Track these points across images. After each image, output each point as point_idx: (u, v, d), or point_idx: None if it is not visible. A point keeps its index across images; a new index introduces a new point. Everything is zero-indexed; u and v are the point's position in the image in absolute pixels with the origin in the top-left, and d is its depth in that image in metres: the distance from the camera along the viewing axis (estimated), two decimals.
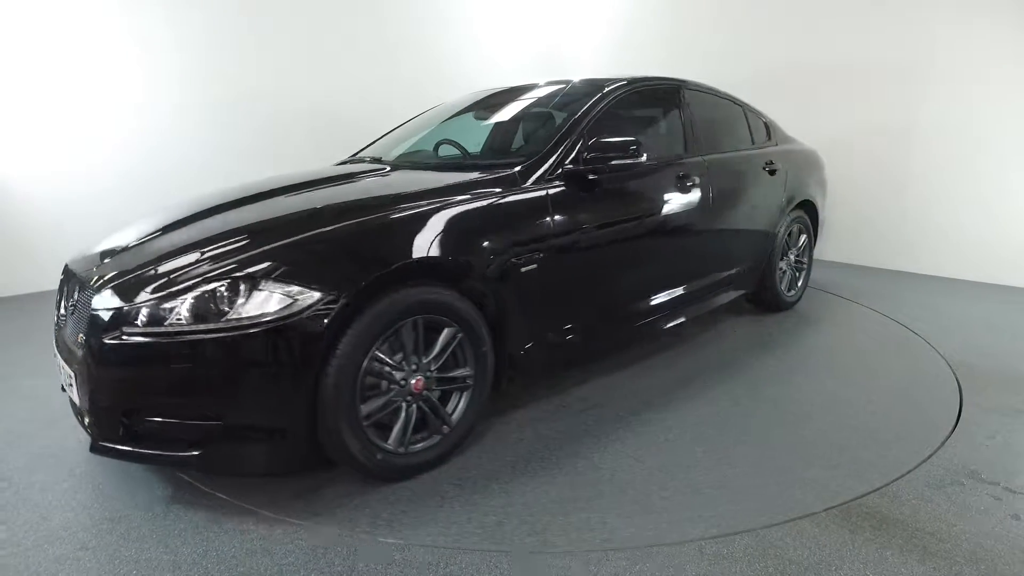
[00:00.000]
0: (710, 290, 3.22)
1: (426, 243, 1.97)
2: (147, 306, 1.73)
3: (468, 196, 2.19)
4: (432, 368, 2.00)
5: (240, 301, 1.71)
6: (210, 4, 5.05)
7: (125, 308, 1.75)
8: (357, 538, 1.74)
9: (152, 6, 4.80)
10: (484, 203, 2.19)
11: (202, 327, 1.68)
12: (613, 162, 2.43)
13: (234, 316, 1.69)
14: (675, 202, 2.88)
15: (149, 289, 1.77)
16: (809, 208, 3.91)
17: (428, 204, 2.08)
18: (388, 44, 6.00)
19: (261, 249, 1.82)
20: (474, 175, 2.37)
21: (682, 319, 3.01)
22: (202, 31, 5.05)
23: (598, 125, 2.62)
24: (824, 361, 3.07)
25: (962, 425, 2.36)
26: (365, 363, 1.82)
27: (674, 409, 2.52)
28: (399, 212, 2.03)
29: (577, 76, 3.14)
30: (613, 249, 2.58)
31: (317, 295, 1.73)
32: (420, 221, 2.01)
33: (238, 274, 1.74)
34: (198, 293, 1.71)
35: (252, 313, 1.69)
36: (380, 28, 5.97)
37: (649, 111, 3.22)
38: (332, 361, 1.76)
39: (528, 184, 2.32)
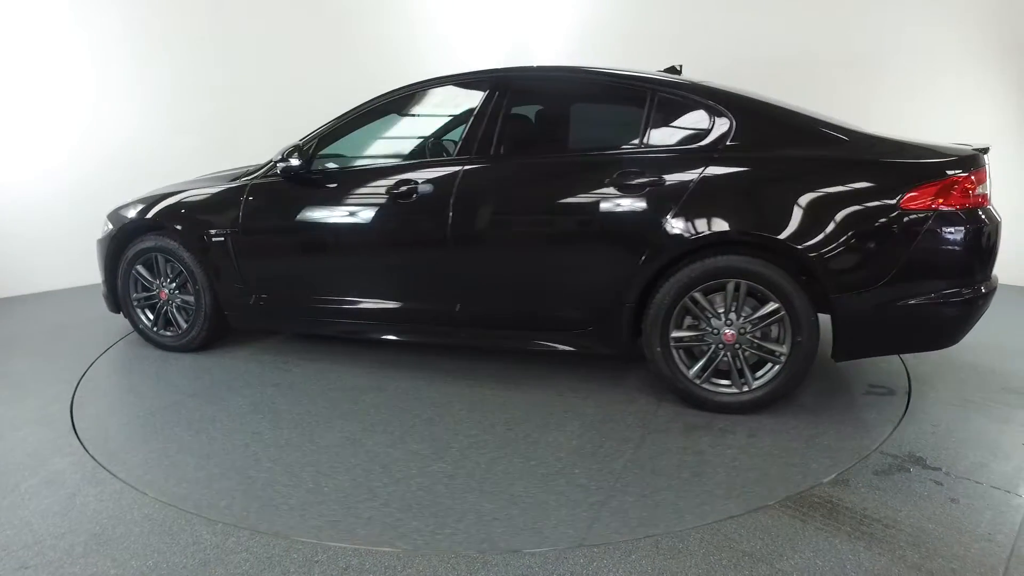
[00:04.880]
0: (444, 319, 2.74)
1: (158, 211, 3.20)
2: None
3: (212, 185, 3.20)
4: (172, 288, 3.23)
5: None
6: (166, 2, 4.92)
7: None
8: (313, 544, 1.71)
9: (106, 5, 4.65)
10: (206, 190, 3.18)
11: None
12: (279, 166, 2.88)
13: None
14: (374, 209, 2.78)
15: None
16: (793, 256, 2.28)
17: (189, 187, 3.26)
18: (351, 43, 5.94)
19: (128, 202, 3.37)
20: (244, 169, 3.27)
21: (403, 336, 2.85)
22: (158, 29, 4.92)
23: (351, 132, 3.01)
24: None
25: (911, 413, 2.44)
26: (132, 272, 3.26)
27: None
28: (173, 191, 3.27)
29: None
30: (295, 243, 3.04)
31: (111, 227, 3.32)
32: (169, 197, 3.24)
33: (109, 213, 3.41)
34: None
35: (105, 231, 3.36)
36: (343, 27, 5.90)
37: (431, 113, 3.11)
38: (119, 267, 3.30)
39: (242, 180, 3.08)
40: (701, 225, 2.35)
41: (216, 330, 3.21)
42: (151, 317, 3.30)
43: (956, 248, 2.25)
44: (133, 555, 1.68)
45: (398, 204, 2.71)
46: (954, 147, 2.34)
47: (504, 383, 2.79)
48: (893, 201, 2.22)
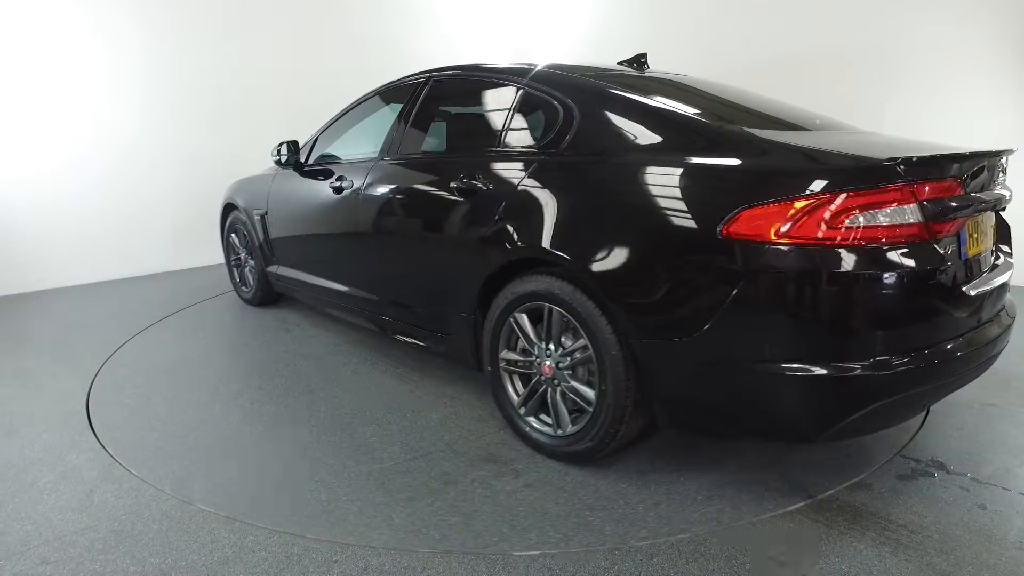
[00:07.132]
0: (373, 308, 2.89)
1: (237, 192, 3.99)
2: None
3: (271, 171, 3.71)
4: (247, 254, 4.01)
5: None
6: (177, 2, 4.94)
7: None
8: (332, 544, 1.70)
9: (116, 4, 4.66)
10: (264, 176, 3.76)
11: None
12: (272, 158, 3.48)
13: None
14: (325, 201, 3.08)
15: None
16: (590, 286, 1.86)
17: (265, 173, 3.83)
18: (356, 41, 5.93)
19: (234, 182, 4.16)
20: None
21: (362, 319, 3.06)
22: (169, 29, 4.93)
23: (339, 130, 3.31)
24: None
25: (932, 418, 2.41)
26: (228, 240, 4.20)
27: None
28: (257, 175, 3.94)
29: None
30: (286, 225, 3.47)
31: (222, 202, 4.18)
32: (251, 181, 3.94)
33: None
34: None
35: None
36: (349, 26, 5.90)
37: (392, 113, 3.13)
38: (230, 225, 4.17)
39: (278, 168, 3.54)
40: (510, 239, 2.08)
41: (268, 291, 3.90)
42: (238, 276, 4.16)
43: (815, 301, 1.54)
44: (152, 552, 1.68)
45: (336, 199, 2.98)
46: (866, 153, 1.65)
47: (412, 374, 2.89)
48: (712, 226, 1.61)
